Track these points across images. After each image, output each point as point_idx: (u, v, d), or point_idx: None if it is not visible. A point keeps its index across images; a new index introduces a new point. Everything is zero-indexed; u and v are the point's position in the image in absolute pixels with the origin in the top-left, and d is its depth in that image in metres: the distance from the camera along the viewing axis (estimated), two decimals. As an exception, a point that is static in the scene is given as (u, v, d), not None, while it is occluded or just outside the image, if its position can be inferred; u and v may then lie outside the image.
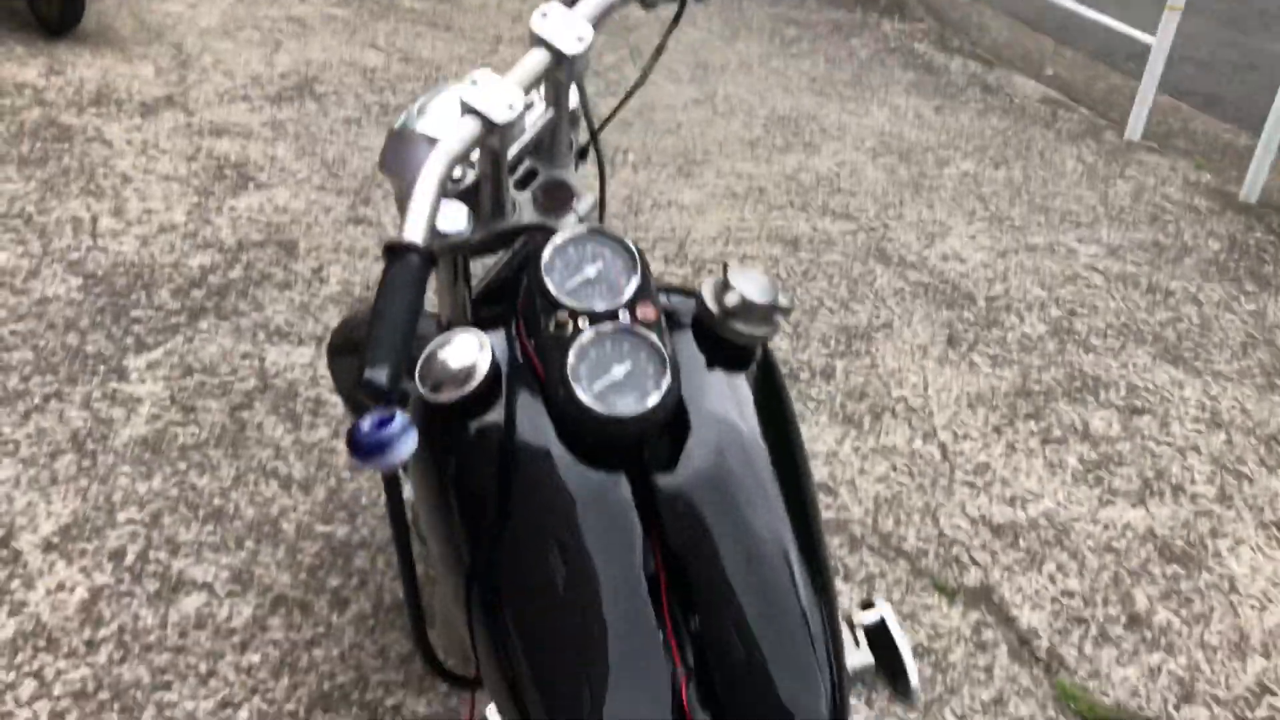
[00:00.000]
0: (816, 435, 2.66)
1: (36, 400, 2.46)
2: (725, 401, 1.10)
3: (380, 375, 0.90)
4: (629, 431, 1.02)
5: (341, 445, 2.42)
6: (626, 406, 1.02)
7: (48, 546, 2.10)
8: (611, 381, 1.03)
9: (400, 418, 0.91)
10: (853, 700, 1.41)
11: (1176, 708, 2.06)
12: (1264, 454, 2.78)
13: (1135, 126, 4.70)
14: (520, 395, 1.08)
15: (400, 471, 1.00)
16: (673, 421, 1.06)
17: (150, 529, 2.16)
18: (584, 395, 1.02)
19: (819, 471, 2.54)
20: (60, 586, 2.03)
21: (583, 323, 1.05)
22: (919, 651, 2.11)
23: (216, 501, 2.25)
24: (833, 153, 4.22)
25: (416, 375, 1.08)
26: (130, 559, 2.09)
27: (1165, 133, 4.85)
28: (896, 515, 2.44)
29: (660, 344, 1.05)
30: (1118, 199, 4.13)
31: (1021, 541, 2.40)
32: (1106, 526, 2.48)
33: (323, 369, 2.65)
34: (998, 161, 4.34)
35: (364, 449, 0.91)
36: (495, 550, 1.03)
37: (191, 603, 2.03)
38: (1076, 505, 2.53)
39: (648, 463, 1.05)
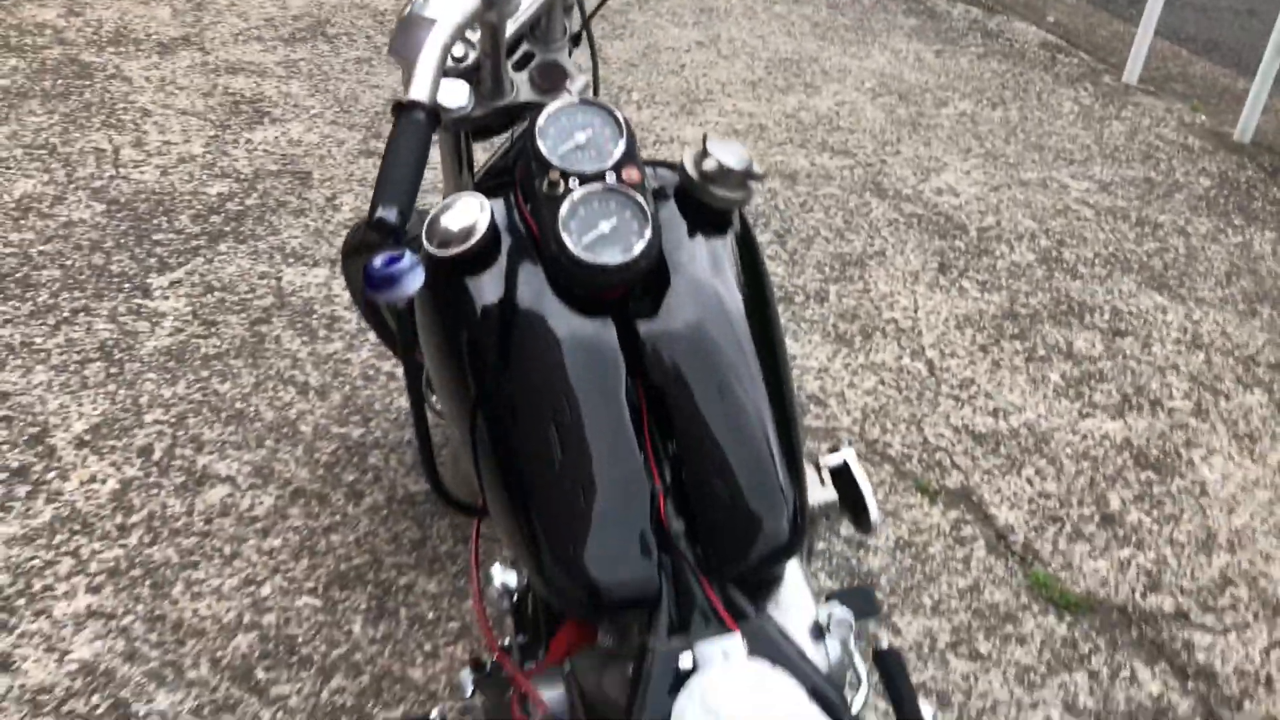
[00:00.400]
0: (809, 353, 2.77)
1: (65, 314, 2.59)
2: (704, 259, 1.21)
3: (390, 213, 1.02)
4: (614, 279, 1.14)
5: (355, 356, 2.54)
6: (612, 257, 1.13)
7: (80, 443, 2.23)
8: (599, 235, 1.14)
9: (409, 256, 1.03)
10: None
11: (1143, 596, 2.18)
12: (1241, 373, 2.88)
13: (1133, 70, 4.77)
14: (517, 252, 1.19)
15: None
16: (655, 274, 1.18)
17: (176, 429, 2.29)
18: (574, 246, 1.13)
19: (810, 385, 2.66)
20: (92, 478, 2.16)
21: (573, 183, 1.16)
22: (900, 545, 2.23)
23: (238, 405, 2.37)
24: (833, 93, 4.30)
25: (424, 235, 1.20)
26: (158, 455, 2.23)
27: (1163, 77, 4.92)
28: (883, 424, 2.56)
29: (643, 202, 1.16)
30: (1112, 139, 4.21)
31: (1002, 449, 2.52)
32: (1085, 436, 2.59)
33: (337, 289, 2.77)
34: (995, 103, 4.42)
35: (376, 282, 1.03)
36: (495, 388, 1.15)
37: (216, 494, 2.16)
38: (1057, 417, 2.64)
39: (632, 310, 1.17)
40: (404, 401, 2.43)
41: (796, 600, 1.15)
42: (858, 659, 1.18)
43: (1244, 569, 2.27)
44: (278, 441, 2.29)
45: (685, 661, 1.01)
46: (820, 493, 1.31)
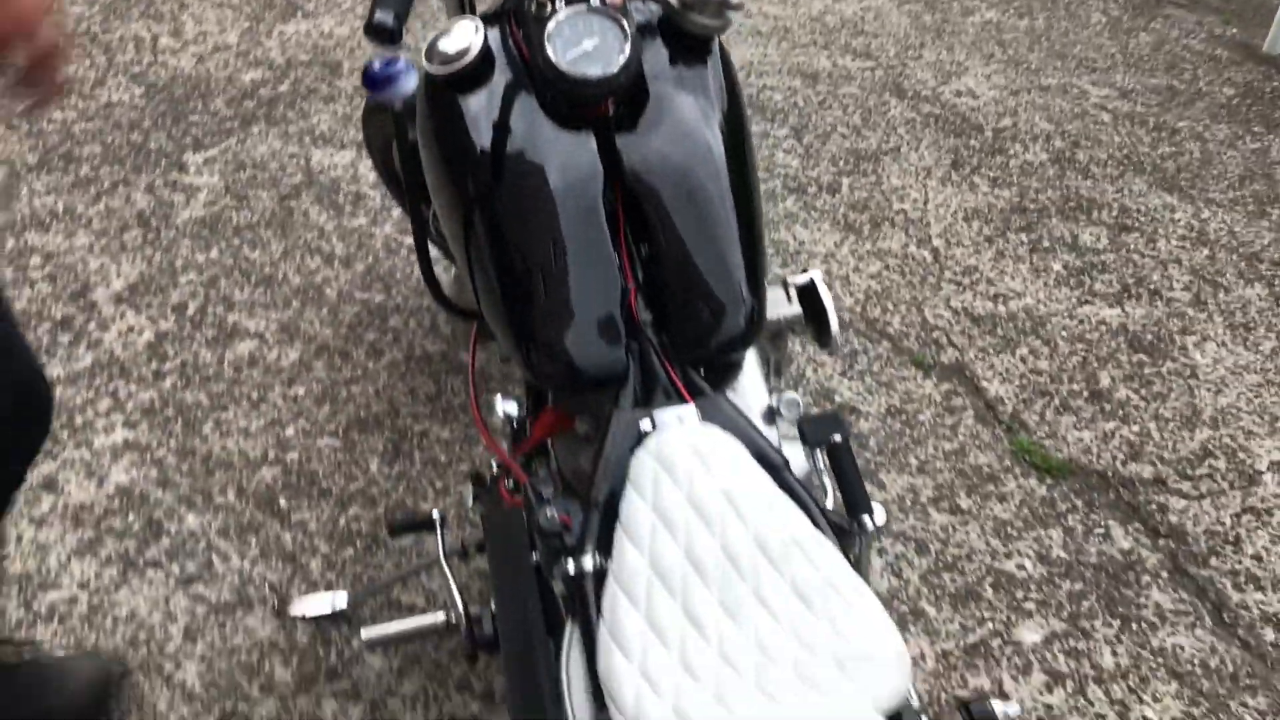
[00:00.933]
0: (817, 239, 2.86)
1: (105, 185, 2.72)
2: (683, 81, 1.31)
3: (387, 18, 1.12)
4: (595, 92, 1.24)
5: (379, 230, 2.66)
6: (594, 70, 1.23)
7: (118, 299, 2.37)
8: (582, 52, 1.24)
9: (404, 60, 1.13)
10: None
11: (1124, 464, 2.27)
12: (1244, 268, 2.94)
13: (1166, -17, 4.73)
14: (509, 73, 1.29)
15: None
16: (636, 93, 1.27)
17: (208, 289, 2.43)
18: (559, 60, 1.23)
19: (816, 269, 2.74)
20: (130, 330, 2.30)
21: (559, 4, 1.26)
22: (890, 411, 2.33)
23: (266, 270, 2.50)
24: None
25: (423, 56, 1.30)
26: (191, 311, 2.36)
27: (1197, -9, 4.88)
28: (884, 305, 2.65)
29: (624, 23, 1.25)
30: (1138, 49, 4.22)
31: (999, 330, 2.60)
32: (1082, 321, 2.67)
33: (363, 169, 2.88)
34: (1022, 12, 4.42)
35: (375, 82, 1.13)
36: (485, 196, 1.26)
37: (245, 347, 2.30)
38: (1056, 303, 2.72)
39: (614, 126, 1.27)
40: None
41: (753, 388, 1.26)
42: (819, 458, 1.29)
43: (1225, 443, 2.35)
44: (303, 304, 2.42)
45: (645, 425, 1.13)
46: (787, 308, 1.41)
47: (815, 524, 1.06)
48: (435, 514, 1.51)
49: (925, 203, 3.06)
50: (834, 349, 1.83)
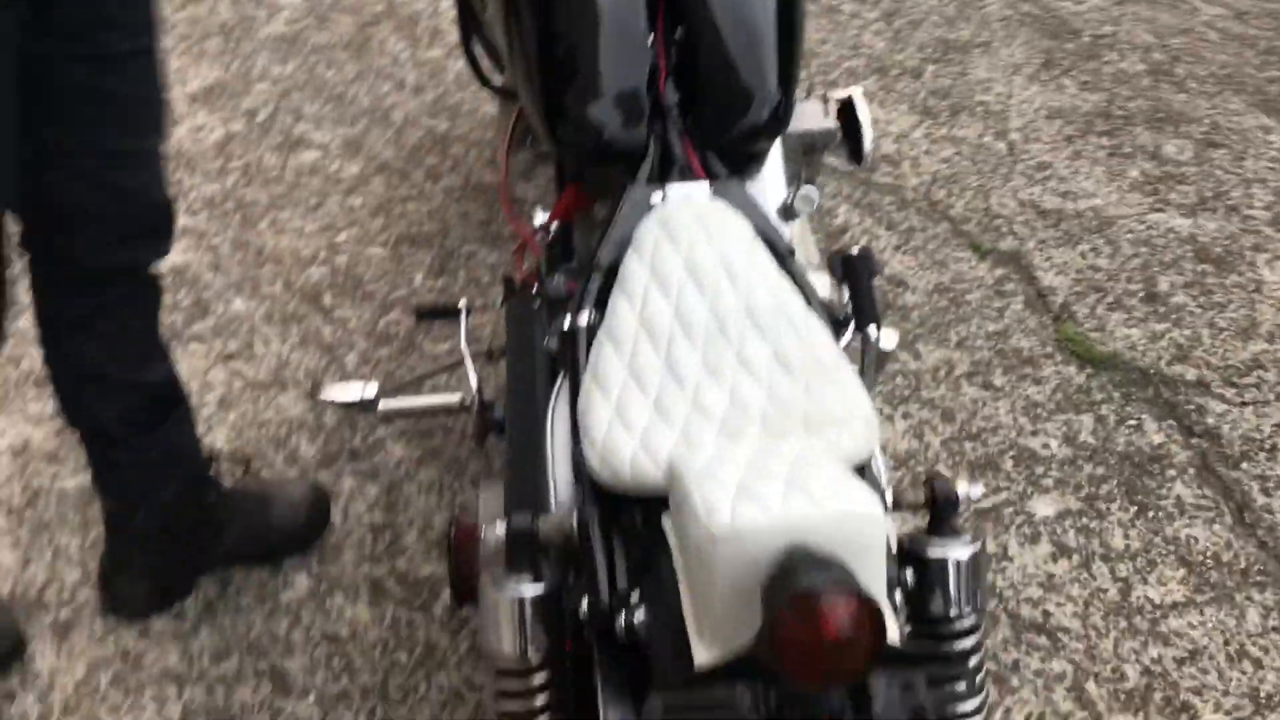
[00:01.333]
0: (891, 119, 2.82)
1: (193, -5, 2.78)
2: None
3: None
4: None
5: (452, 64, 2.68)
6: None
7: (193, 99, 2.44)
8: None
9: None
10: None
11: (1169, 364, 2.23)
12: (1332, 197, 2.83)
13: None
14: None
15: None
16: None
17: (280, 99, 2.48)
18: None
19: (886, 147, 2.71)
20: (201, 128, 2.37)
21: None
22: (939, 289, 2.32)
23: (338, 90, 2.55)
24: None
25: None
26: (261, 117, 2.42)
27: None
28: (950, 189, 2.61)
29: None
30: (1262, -27, 4.03)
31: (1063, 225, 2.56)
32: (1150, 227, 2.60)
33: (444, 5, 2.89)
34: (1144, -75, 4.24)
35: None
36: None
37: (309, 156, 2.35)
38: (1126, 207, 2.65)
39: None
40: (491, 108, 2.57)
41: (773, 184, 1.26)
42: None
43: (1278, 358, 2.30)
44: (370, 124, 2.46)
45: (655, 198, 1.14)
46: (824, 121, 1.40)
47: (810, 307, 1.07)
48: (462, 303, 1.55)
49: (1009, 98, 2.99)
50: (866, 165, 1.79)
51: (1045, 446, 2.02)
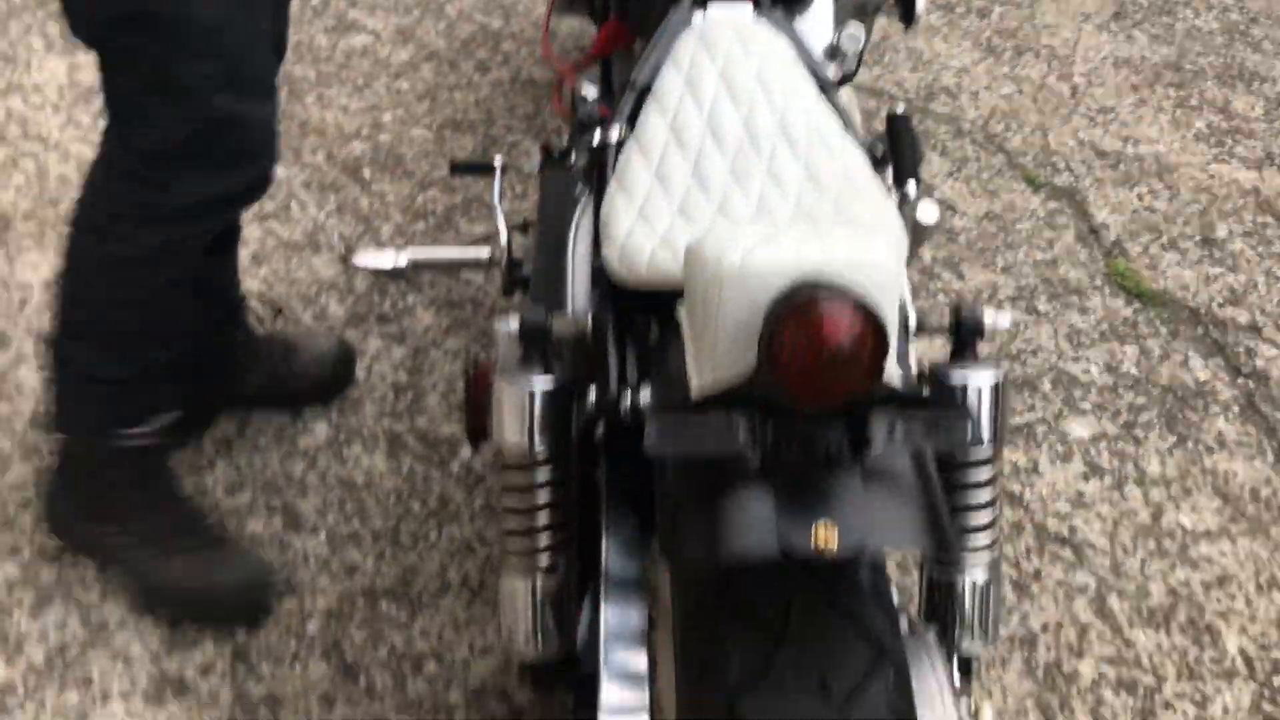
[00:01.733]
0: (953, 55, 2.76)
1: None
2: None
3: None
4: None
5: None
6: None
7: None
8: None
9: None
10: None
11: (1221, 306, 2.17)
12: (1406, 164, 2.74)
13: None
14: None
15: None
16: None
17: (336, -15, 2.47)
18: None
19: (946, 80, 2.66)
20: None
21: None
22: (989, 215, 2.27)
23: (395, -19, 2.53)
24: None
25: None
26: (315, 1, 2.41)
27: None
28: (1008, 124, 2.55)
29: None
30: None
31: (1122, 166, 2.49)
32: (1212, 176, 2.53)
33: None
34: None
35: None
36: None
37: (360, 40, 2.33)
38: (1189, 155, 2.58)
39: None
40: (542, 7, 2.54)
41: (820, 25, 1.22)
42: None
43: (1336, 310, 2.22)
44: (423, 14, 2.44)
45: (697, 18, 1.11)
46: (876, -18, 1.36)
47: (848, 132, 1.04)
48: (498, 159, 1.53)
49: (1076, 44, 2.92)
50: (916, 23, 1.73)
51: (1086, 372, 1.96)
